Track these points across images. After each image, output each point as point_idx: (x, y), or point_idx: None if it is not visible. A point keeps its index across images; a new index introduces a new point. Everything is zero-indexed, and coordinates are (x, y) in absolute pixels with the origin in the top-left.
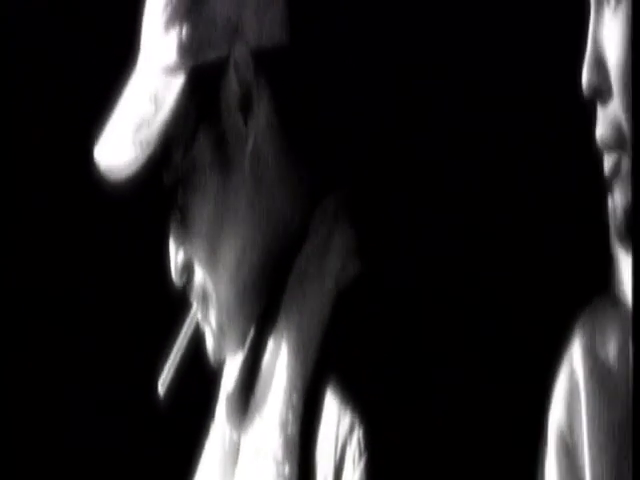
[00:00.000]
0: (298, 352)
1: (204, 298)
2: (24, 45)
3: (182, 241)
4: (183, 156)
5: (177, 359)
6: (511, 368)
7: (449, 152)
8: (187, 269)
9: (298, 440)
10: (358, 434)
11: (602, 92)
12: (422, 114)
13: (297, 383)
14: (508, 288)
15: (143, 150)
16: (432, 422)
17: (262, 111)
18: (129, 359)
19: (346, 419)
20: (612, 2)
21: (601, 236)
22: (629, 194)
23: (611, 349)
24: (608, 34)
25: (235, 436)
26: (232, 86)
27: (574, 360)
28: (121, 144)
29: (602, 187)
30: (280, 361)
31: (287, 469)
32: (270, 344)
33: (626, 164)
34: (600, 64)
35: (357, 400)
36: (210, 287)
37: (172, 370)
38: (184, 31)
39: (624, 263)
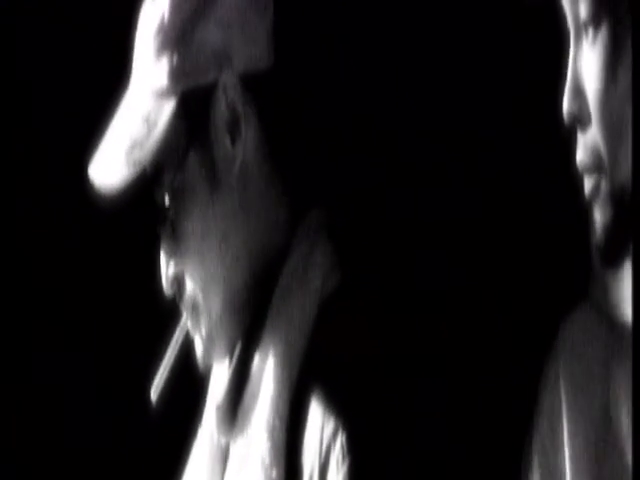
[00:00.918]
0: (283, 363)
1: (194, 308)
2: (21, 63)
3: (172, 254)
4: (174, 175)
5: (168, 366)
6: (495, 374)
7: (430, 170)
8: (177, 280)
9: (285, 445)
10: (341, 439)
11: (581, 119)
12: (402, 137)
13: (283, 392)
14: (491, 296)
15: (136, 170)
16: (413, 427)
17: (250, 133)
18: (123, 366)
19: (330, 424)
20: (590, 34)
21: (582, 250)
22: (608, 213)
23: (591, 353)
24: (586, 64)
25: (224, 442)
26: (221, 110)
27: (557, 364)
28: (114, 164)
29: (582, 205)
30: (267, 372)
31: (274, 473)
32: (257, 356)
33: (605, 186)
34: (579, 93)
35: (340, 406)
36: (199, 298)
37: (164, 377)
38: (175, 58)
39: (604, 275)
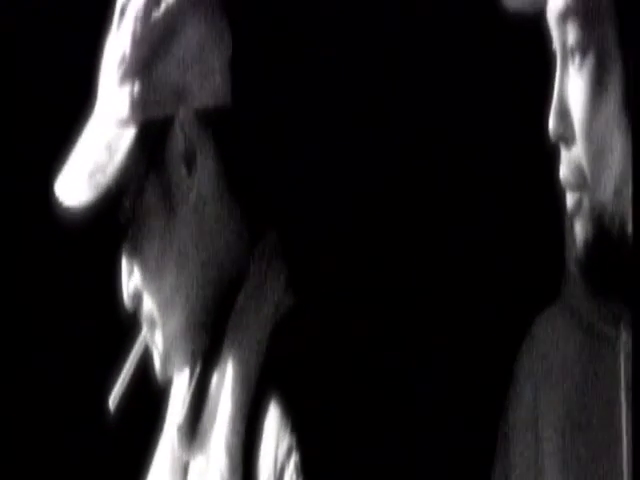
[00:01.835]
0: (240, 382)
1: (151, 323)
2: None
3: (132, 272)
4: (133, 201)
5: (127, 377)
6: (461, 383)
7: (389, 189)
8: (137, 295)
9: (242, 462)
10: (295, 458)
11: (566, 138)
12: (355, 164)
13: (240, 410)
14: (464, 299)
15: (97, 193)
16: (367, 448)
17: (205, 165)
18: (82, 375)
19: (284, 443)
20: (577, 61)
21: (556, 256)
22: (588, 229)
23: (563, 350)
24: (573, 88)
25: (184, 459)
26: (178, 142)
27: (530, 360)
28: (78, 185)
29: (559, 214)
30: (224, 391)
31: None
32: (215, 376)
33: (587, 203)
34: (565, 114)
35: (294, 425)
36: (157, 316)
37: (122, 387)
38: (135, 89)
39: (577, 281)
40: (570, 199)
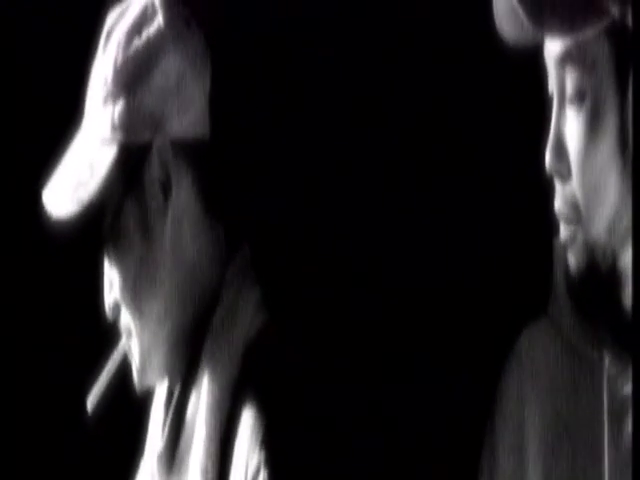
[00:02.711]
0: (214, 405)
1: (129, 335)
2: None
3: (112, 284)
4: (112, 219)
5: (105, 382)
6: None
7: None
8: (117, 307)
9: None
10: (264, 475)
11: (562, 174)
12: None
13: (213, 433)
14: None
15: (80, 206)
16: (335, 463)
17: (181, 191)
18: (66, 380)
19: (254, 461)
20: (575, 104)
21: (544, 272)
22: (581, 260)
23: (547, 364)
24: (570, 128)
25: None
26: (155, 168)
27: (518, 374)
28: (62, 198)
29: (548, 240)
30: (199, 414)
31: None
32: (192, 399)
33: (580, 235)
34: (561, 151)
35: (263, 442)
36: (133, 330)
37: (100, 391)
38: (116, 112)
39: (564, 301)
40: (564, 231)
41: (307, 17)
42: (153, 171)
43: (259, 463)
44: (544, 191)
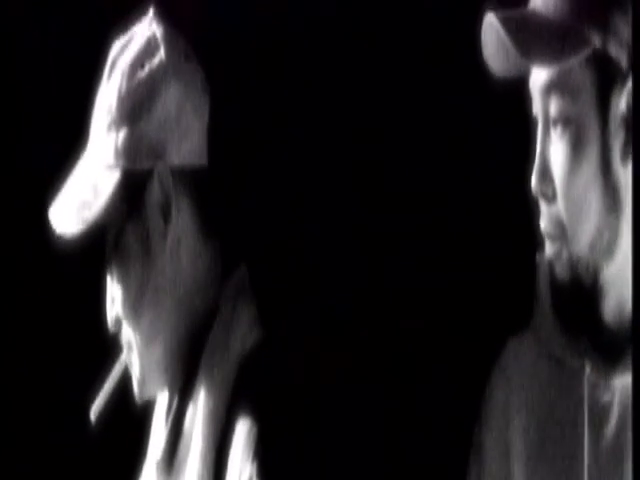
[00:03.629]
0: (211, 415)
1: (130, 348)
2: None
3: (114, 299)
4: (115, 239)
5: (107, 393)
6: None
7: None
8: (119, 321)
9: None
10: None
11: (547, 195)
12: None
13: (210, 443)
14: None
15: (84, 226)
16: (326, 477)
17: (181, 214)
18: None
19: (247, 471)
20: (558, 129)
21: (528, 288)
22: (565, 275)
23: (530, 369)
24: (554, 152)
25: None
26: (155, 193)
27: (503, 384)
28: (68, 217)
29: (532, 252)
30: (196, 425)
31: None
32: (189, 410)
33: (565, 252)
34: (546, 174)
35: (256, 455)
36: (134, 344)
37: (103, 401)
38: (119, 139)
39: (547, 316)
40: (550, 248)
41: (297, 49)
42: (154, 195)
43: (252, 474)
44: (529, 210)
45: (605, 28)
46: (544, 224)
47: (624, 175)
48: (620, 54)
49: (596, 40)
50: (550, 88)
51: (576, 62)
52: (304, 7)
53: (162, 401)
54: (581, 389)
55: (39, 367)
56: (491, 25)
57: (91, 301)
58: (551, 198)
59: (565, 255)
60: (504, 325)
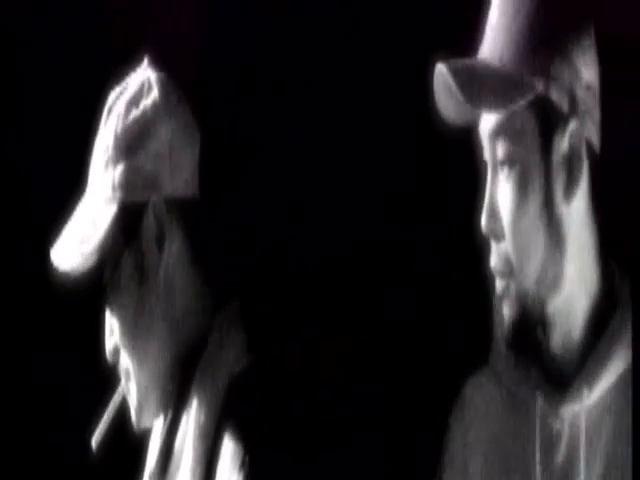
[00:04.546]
0: (200, 432)
1: (127, 376)
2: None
3: (112, 331)
4: (112, 271)
5: (107, 422)
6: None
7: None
8: (117, 352)
9: None
10: None
11: (496, 234)
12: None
13: (200, 459)
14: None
15: (84, 260)
16: None
17: (174, 244)
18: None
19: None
20: (505, 170)
21: (486, 330)
22: (515, 310)
23: (487, 404)
24: (502, 193)
25: None
26: (150, 223)
27: (463, 421)
28: (69, 253)
29: (487, 294)
30: (187, 441)
31: None
32: (181, 426)
33: (513, 288)
34: (495, 214)
35: (243, 464)
36: (131, 370)
37: (104, 430)
38: (116, 174)
39: (503, 353)
40: (499, 284)
41: (280, 86)
42: (149, 225)
43: None
44: (482, 250)
45: (547, 74)
46: (493, 262)
47: (567, 212)
48: (561, 98)
49: (539, 86)
50: (497, 132)
51: (520, 107)
52: (284, 52)
53: (158, 425)
54: (534, 420)
55: (41, 399)
56: (441, 76)
57: (90, 338)
58: (499, 236)
59: (513, 291)
60: (464, 365)
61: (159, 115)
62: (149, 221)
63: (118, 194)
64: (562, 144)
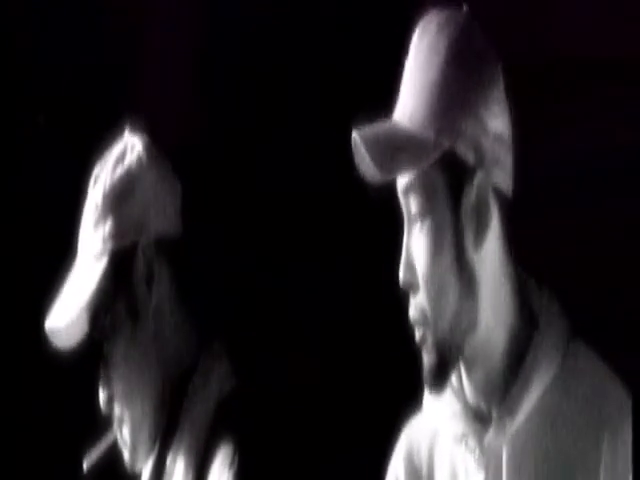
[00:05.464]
0: (189, 459)
1: (121, 422)
2: None
3: (107, 380)
4: (106, 316)
5: (98, 455)
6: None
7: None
8: (110, 401)
9: None
10: None
11: (413, 286)
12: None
13: (190, 473)
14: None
15: (79, 312)
16: None
17: (163, 282)
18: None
19: (224, 477)
20: (418, 224)
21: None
22: (432, 357)
23: (421, 451)
24: (416, 245)
25: None
26: (140, 265)
27: (397, 463)
28: (67, 312)
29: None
30: (177, 467)
31: None
32: (170, 455)
33: (430, 336)
34: (411, 266)
35: (231, 463)
36: (126, 413)
37: (94, 461)
38: (106, 226)
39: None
40: (417, 334)
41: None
42: (138, 269)
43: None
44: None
45: (453, 130)
46: (411, 312)
47: (478, 258)
48: (467, 151)
49: (445, 143)
50: (409, 189)
51: (429, 165)
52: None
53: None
54: (461, 455)
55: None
56: (356, 145)
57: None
58: (416, 288)
59: (430, 339)
60: (401, 412)
61: (143, 167)
62: (139, 262)
63: (109, 245)
64: (470, 195)
